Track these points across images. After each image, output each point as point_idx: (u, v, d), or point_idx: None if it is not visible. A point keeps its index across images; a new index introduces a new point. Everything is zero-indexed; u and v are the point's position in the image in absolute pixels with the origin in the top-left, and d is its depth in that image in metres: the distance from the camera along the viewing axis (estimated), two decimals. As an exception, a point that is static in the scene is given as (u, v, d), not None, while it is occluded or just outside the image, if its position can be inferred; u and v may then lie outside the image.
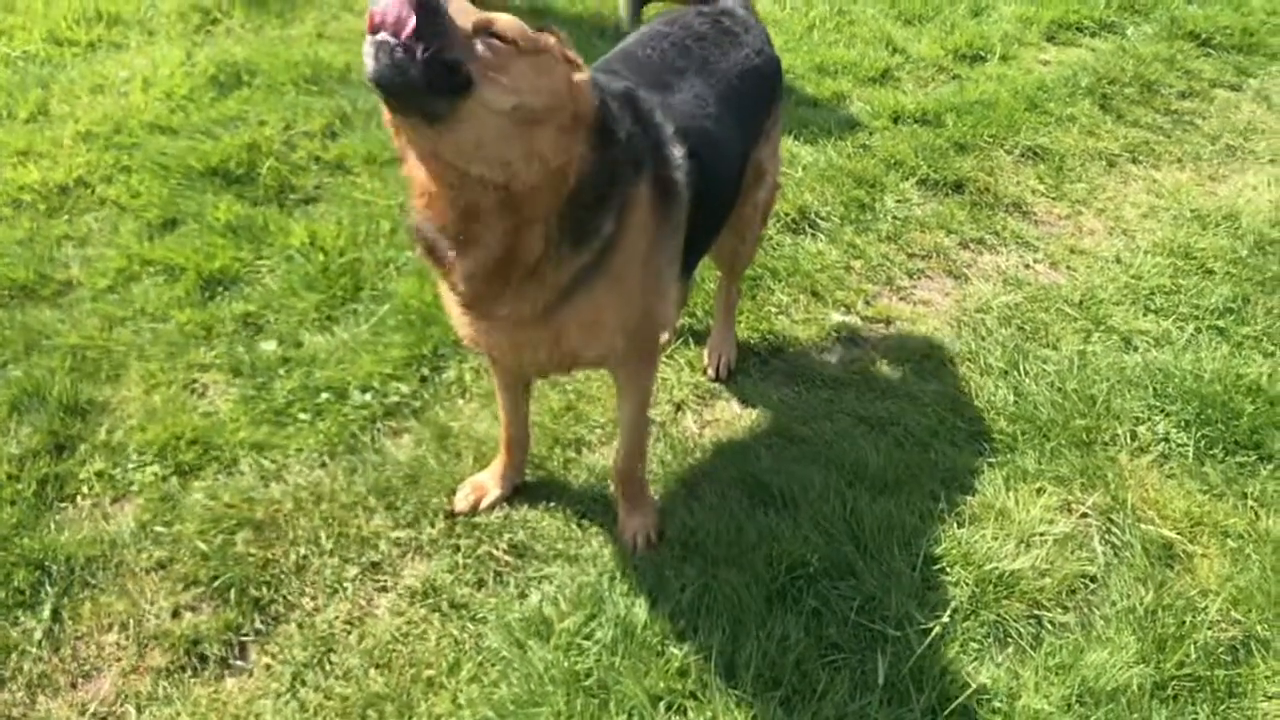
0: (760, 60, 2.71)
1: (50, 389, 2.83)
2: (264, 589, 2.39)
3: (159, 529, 2.51)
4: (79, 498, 2.60)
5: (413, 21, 1.60)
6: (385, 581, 2.45)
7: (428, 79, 1.63)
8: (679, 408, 3.03)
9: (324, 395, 2.91)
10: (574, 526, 2.61)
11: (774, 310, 3.47)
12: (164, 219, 3.54)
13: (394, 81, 1.62)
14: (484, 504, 2.63)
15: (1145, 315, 3.60)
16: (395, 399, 2.94)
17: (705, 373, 3.17)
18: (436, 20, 1.63)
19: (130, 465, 2.67)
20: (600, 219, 1.95)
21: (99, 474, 2.65)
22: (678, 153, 2.23)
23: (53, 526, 2.51)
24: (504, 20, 1.78)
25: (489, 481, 2.67)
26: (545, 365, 2.22)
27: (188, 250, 3.37)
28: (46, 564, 2.41)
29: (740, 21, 2.72)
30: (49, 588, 2.36)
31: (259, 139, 3.96)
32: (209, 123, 4.06)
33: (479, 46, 1.72)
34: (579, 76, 1.88)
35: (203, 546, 2.46)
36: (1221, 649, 2.35)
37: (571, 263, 1.96)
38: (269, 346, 3.06)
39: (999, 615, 2.42)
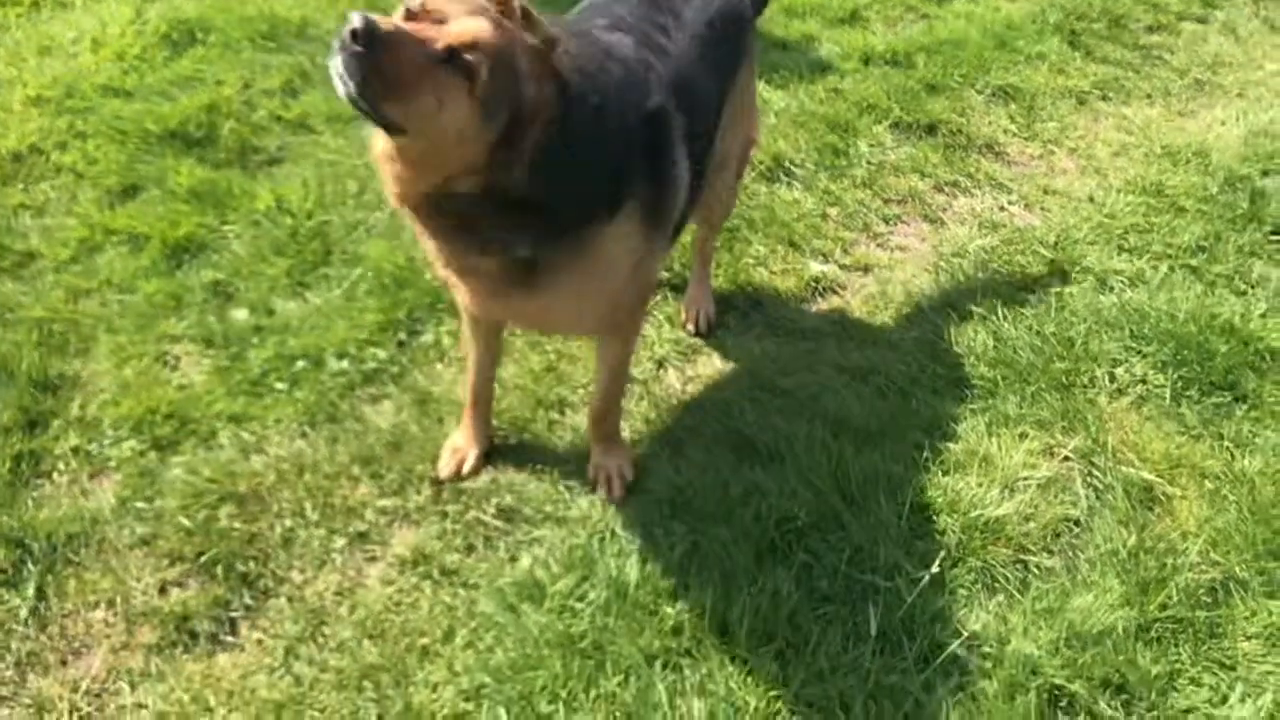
0: (724, 4, 2.64)
1: (18, 364, 2.76)
2: (251, 563, 2.37)
3: (140, 505, 2.47)
4: (55, 474, 2.55)
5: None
6: (374, 551, 2.44)
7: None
8: (660, 364, 3.01)
9: (300, 364, 2.86)
10: (560, 488, 2.59)
11: (751, 262, 3.44)
12: (124, 185, 3.44)
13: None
14: (466, 467, 2.61)
15: (1119, 255, 3.62)
16: (373, 365, 2.89)
17: (685, 328, 3.15)
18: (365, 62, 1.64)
19: (106, 440, 2.62)
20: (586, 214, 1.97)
21: (74, 450, 2.60)
22: (680, 155, 2.23)
23: (30, 504, 2.47)
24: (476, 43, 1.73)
25: (463, 442, 2.64)
26: (533, 328, 2.23)
27: (151, 218, 3.29)
28: (27, 542, 2.37)
29: None
30: (31, 566, 2.33)
31: (217, 99, 3.85)
32: (164, 84, 3.94)
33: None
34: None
35: (186, 522, 2.43)
36: (1202, 590, 2.39)
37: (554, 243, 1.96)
38: (240, 315, 3.00)
39: (985, 561, 2.45)
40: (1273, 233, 3.77)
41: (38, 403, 2.69)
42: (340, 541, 2.45)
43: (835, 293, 3.40)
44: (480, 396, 2.62)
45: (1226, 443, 2.81)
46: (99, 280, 3.08)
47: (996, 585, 2.41)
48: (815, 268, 3.47)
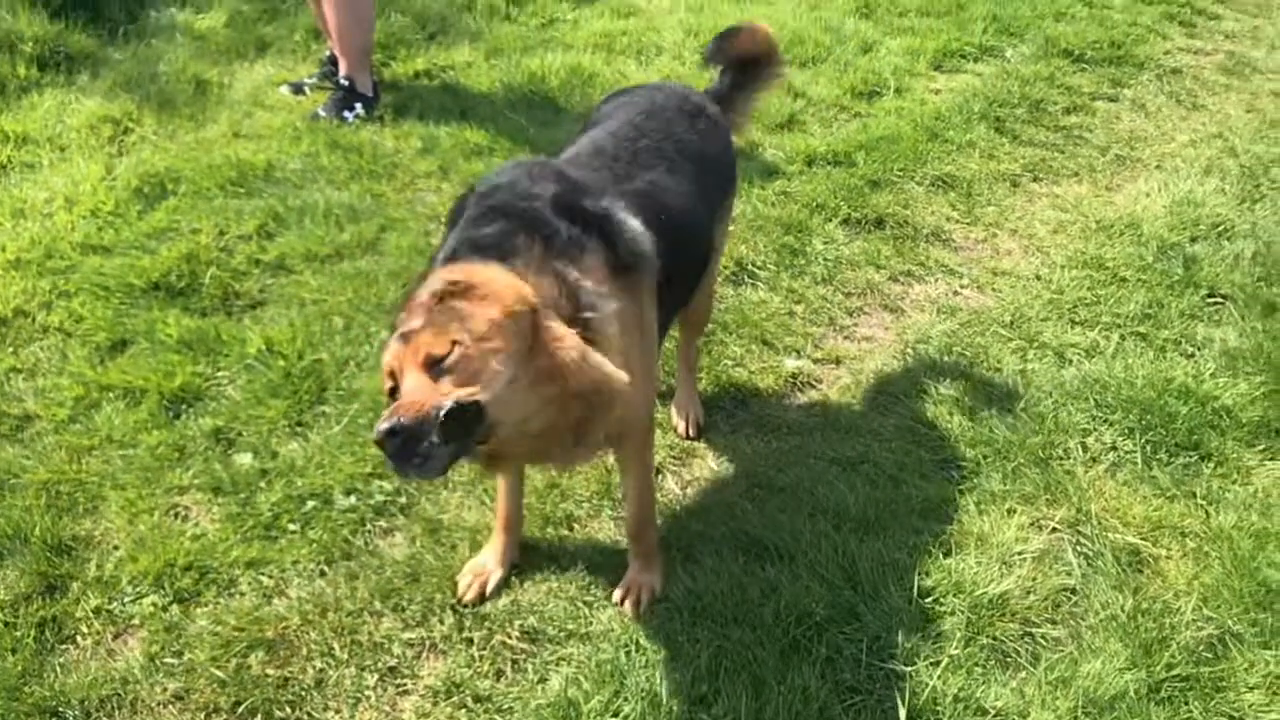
0: (720, 151, 2.94)
1: (30, 529, 2.78)
2: (288, 708, 2.39)
3: (169, 660, 2.49)
4: (79, 637, 2.56)
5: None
6: (405, 684, 2.48)
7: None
8: (658, 472, 3.12)
9: (310, 503, 2.92)
10: (580, 605, 2.67)
11: (730, 363, 3.59)
12: (113, 341, 3.50)
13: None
14: (490, 587, 2.68)
15: (1073, 328, 3.84)
16: (381, 498, 2.96)
17: (675, 430, 3.27)
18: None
19: (127, 598, 2.65)
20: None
21: (96, 610, 2.61)
22: (635, 227, 2.38)
23: (59, 670, 2.47)
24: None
25: (490, 562, 2.72)
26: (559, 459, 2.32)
27: (144, 370, 3.34)
28: (60, 710, 2.37)
29: (711, 120, 2.92)
30: (66, 734, 2.34)
31: (195, 248, 3.94)
32: (141, 237, 4.02)
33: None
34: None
35: (218, 673, 2.45)
36: (1202, 647, 2.53)
37: None
38: (245, 460, 3.06)
39: (995, 638, 2.56)
40: (1208, 296, 4.03)
41: (54, 566, 2.70)
42: (371, 678, 2.48)
43: (813, 386, 3.55)
44: (512, 519, 2.72)
45: (1200, 501, 2.99)
46: (99, 437, 3.12)
47: (1009, 660, 2.52)
48: (790, 364, 3.63)
